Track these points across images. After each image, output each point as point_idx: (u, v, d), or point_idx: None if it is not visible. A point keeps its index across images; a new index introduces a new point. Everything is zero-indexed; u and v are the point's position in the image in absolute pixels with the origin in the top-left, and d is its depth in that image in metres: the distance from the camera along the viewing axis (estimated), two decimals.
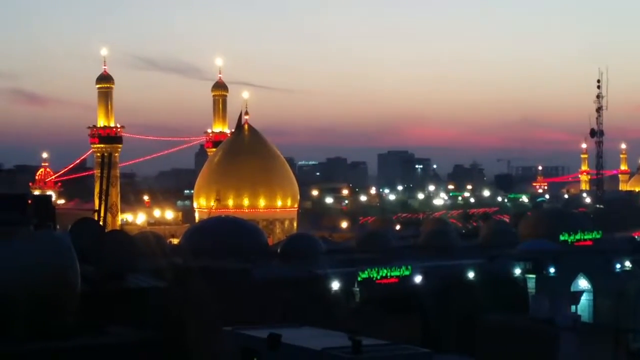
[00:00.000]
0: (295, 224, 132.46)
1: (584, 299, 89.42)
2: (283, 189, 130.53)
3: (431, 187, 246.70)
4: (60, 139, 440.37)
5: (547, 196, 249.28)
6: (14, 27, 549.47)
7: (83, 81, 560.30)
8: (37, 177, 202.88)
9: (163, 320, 64.06)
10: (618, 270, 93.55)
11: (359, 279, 79.70)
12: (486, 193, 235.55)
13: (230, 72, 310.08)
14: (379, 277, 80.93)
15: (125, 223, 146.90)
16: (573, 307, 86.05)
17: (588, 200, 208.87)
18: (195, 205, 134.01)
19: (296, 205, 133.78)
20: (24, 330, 49.46)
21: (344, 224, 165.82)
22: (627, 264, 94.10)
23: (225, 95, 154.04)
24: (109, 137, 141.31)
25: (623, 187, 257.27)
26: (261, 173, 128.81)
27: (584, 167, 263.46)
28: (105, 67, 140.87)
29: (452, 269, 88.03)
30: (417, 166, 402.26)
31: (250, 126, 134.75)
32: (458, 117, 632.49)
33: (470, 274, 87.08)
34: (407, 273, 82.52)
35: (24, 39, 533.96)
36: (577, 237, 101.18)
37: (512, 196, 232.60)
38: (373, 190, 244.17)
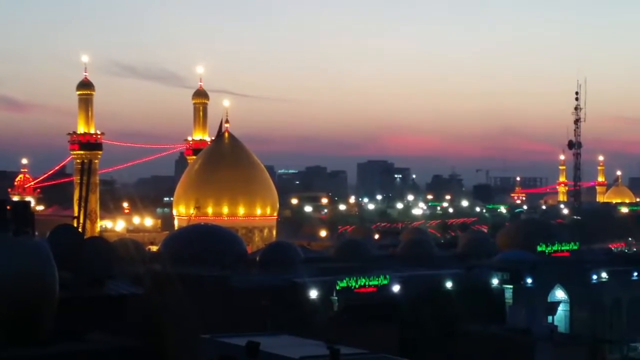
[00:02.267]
0: (274, 233, 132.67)
1: (561, 309, 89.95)
2: (262, 198, 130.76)
3: (410, 197, 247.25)
4: (40, 145, 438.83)
5: (525, 207, 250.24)
6: None
7: (63, 87, 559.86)
8: (16, 183, 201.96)
9: (142, 327, 64.07)
10: (595, 281, 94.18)
11: (338, 287, 79.95)
12: (465, 203, 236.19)
13: (211, 80, 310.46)
14: (357, 286, 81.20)
15: (104, 230, 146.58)
16: (550, 318, 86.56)
17: (566, 211, 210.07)
18: (174, 212, 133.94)
19: (275, 214, 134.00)
20: (1, 336, 49.36)
21: (323, 233, 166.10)
22: (604, 275, 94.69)
23: (206, 103, 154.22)
24: (89, 144, 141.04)
25: (600, 198, 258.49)
26: (241, 181, 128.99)
27: (562, 179, 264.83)
28: (86, 74, 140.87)
29: (431, 278, 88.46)
30: (396, 176, 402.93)
31: (230, 134, 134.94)
32: (438, 126, 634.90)
33: (449, 284, 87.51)
34: (385, 282, 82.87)
35: (4, 44, 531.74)
36: (555, 248, 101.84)
37: (490, 207, 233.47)
38: (352, 200, 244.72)
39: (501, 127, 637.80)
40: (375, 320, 76.53)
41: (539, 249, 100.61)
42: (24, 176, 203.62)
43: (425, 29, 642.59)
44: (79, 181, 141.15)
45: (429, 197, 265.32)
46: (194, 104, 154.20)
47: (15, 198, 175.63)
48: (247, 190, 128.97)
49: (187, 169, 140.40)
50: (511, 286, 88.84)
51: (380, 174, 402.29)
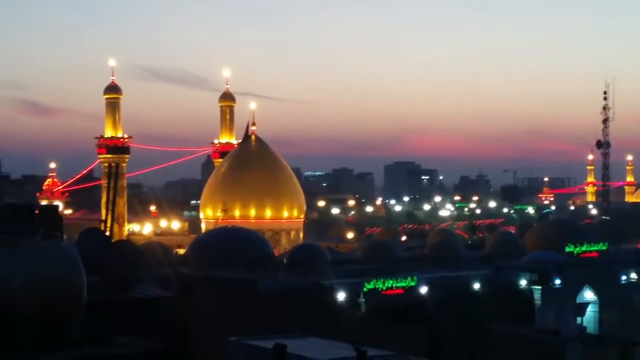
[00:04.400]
0: (301, 235, 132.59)
1: (590, 310, 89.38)
2: (290, 200, 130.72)
3: (437, 198, 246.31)
4: (68, 149, 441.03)
5: (553, 207, 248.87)
6: (22, 37, 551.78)
7: (91, 92, 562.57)
8: (44, 187, 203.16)
9: (169, 330, 64.30)
10: (624, 281, 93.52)
11: (365, 289, 79.74)
12: (492, 204, 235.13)
13: (238, 83, 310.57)
14: (384, 288, 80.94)
15: (131, 233, 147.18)
16: (579, 319, 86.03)
17: (594, 211, 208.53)
18: (201, 215, 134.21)
19: (302, 216, 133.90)
20: (30, 340, 49.65)
21: (350, 235, 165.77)
22: (633, 275, 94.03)
23: (233, 106, 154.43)
24: (116, 148, 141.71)
25: (629, 198, 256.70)
26: (268, 184, 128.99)
27: (590, 179, 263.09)
28: (113, 78, 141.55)
29: (458, 280, 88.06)
30: (423, 177, 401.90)
31: (257, 137, 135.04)
32: (464, 127, 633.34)
33: (476, 285, 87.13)
34: (413, 284, 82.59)
35: (32, 49, 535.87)
36: (583, 248, 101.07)
37: (518, 207, 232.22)
38: (379, 201, 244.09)
39: (528, 127, 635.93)
40: (403, 322, 76.33)
41: (567, 249, 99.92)
42: (52, 180, 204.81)
43: (451, 30, 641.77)
44: (106, 185, 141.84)
45: (456, 198, 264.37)
46: (221, 106, 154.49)
47: (44, 202, 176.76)
48: (274, 193, 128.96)
49: (214, 172, 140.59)
50: (540, 287, 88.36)
51: (407, 175, 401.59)
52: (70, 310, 51.49)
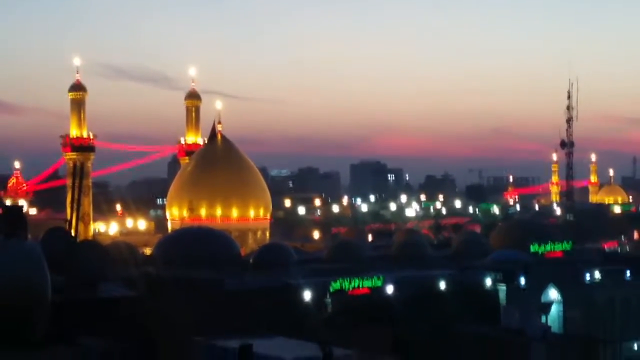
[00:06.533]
0: (267, 234, 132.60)
1: (554, 309, 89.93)
2: (256, 199, 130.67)
3: (403, 198, 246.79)
4: (33, 148, 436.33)
5: (517, 207, 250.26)
6: None
7: (56, 90, 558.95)
8: (8, 186, 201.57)
9: (135, 330, 63.95)
10: (588, 281, 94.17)
11: (331, 289, 79.86)
12: (458, 203, 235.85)
13: (203, 81, 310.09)
14: (351, 288, 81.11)
15: (97, 233, 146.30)
16: (543, 318, 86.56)
17: (558, 211, 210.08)
18: (168, 215, 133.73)
19: (269, 216, 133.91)
20: None
21: (317, 234, 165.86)
22: (597, 274, 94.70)
23: (199, 105, 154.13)
24: (82, 147, 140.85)
25: (593, 198, 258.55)
26: (234, 183, 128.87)
27: (555, 178, 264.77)
28: (78, 76, 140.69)
29: (424, 279, 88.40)
30: (389, 176, 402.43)
31: (223, 136, 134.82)
32: (430, 126, 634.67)
33: (442, 285, 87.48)
34: (379, 283, 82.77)
35: None
36: (548, 247, 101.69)
37: (483, 207, 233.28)
38: (345, 201, 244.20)
39: (493, 126, 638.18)
40: (369, 321, 76.48)
41: (532, 249, 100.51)
42: (17, 179, 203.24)
43: (416, 30, 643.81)
44: (71, 184, 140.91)
45: (422, 197, 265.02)
46: (187, 105, 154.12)
47: (8, 201, 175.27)
48: (241, 192, 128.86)
49: (180, 171, 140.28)
50: (504, 286, 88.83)
51: (373, 174, 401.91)
52: (33, 310, 51.14)
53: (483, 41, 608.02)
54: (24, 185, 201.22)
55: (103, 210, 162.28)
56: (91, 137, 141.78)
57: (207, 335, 52.96)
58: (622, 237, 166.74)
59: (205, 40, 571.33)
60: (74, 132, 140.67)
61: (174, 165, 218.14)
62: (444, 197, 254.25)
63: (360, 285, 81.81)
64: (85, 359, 51.30)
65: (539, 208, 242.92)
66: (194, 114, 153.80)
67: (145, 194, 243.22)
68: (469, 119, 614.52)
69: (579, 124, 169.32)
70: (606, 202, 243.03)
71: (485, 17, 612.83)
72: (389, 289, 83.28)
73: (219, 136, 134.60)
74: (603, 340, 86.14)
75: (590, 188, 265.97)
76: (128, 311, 66.83)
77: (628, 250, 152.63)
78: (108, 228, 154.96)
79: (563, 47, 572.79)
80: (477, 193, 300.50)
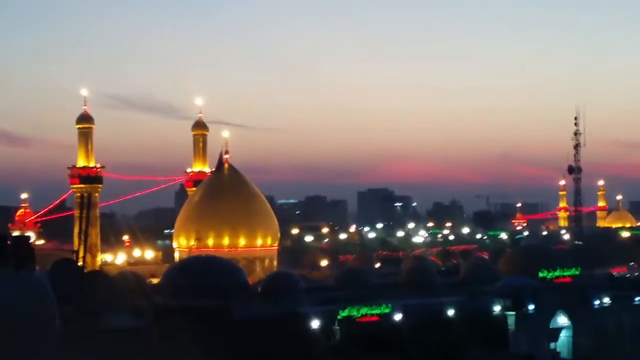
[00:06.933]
0: (275, 263, 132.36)
1: (563, 335, 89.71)
2: (263, 228, 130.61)
3: (411, 225, 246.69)
4: (40, 179, 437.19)
5: (526, 233, 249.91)
6: None
7: (63, 121, 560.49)
8: (16, 218, 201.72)
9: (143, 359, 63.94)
10: (597, 306, 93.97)
11: (339, 317, 79.74)
12: (465, 230, 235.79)
13: (210, 111, 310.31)
14: (359, 315, 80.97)
15: (104, 263, 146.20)
16: (552, 344, 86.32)
17: (567, 236, 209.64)
18: (175, 244, 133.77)
19: (276, 244, 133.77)
20: None
21: (324, 262, 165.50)
22: (606, 300, 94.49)
23: (206, 135, 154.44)
24: (89, 177, 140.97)
25: (601, 223, 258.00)
26: (241, 212, 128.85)
27: (563, 204, 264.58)
28: (86, 107, 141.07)
29: (432, 306, 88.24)
30: (396, 204, 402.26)
31: (230, 165, 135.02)
32: (437, 153, 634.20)
33: (451, 311, 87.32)
34: (387, 311, 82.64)
35: (2, 78, 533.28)
36: (556, 273, 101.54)
37: (491, 233, 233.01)
38: (353, 228, 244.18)
39: (501, 152, 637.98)
40: (377, 349, 76.30)
41: (540, 275, 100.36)
42: (25, 211, 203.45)
43: (423, 57, 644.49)
44: (79, 215, 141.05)
45: (430, 224, 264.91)
46: (194, 135, 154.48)
47: (16, 233, 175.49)
48: (248, 221, 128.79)
49: (187, 201, 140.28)
50: (513, 313, 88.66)
51: (381, 202, 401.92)
52: (41, 341, 51.16)
53: (490, 67, 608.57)
54: (32, 216, 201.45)
55: (110, 240, 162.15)
56: (98, 168, 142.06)
57: None
58: (631, 262, 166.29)
59: (212, 70, 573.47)
60: (81, 163, 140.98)
61: (181, 194, 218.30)
62: (451, 224, 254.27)
63: (369, 313, 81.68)
64: None
65: (547, 234, 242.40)
66: (201, 143, 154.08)
67: (153, 223, 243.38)
68: (476, 145, 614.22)
69: (587, 149, 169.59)
70: (614, 227, 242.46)
71: (492, 43, 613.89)
72: (397, 316, 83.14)
73: (226, 165, 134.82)
74: None
75: (599, 213, 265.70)
76: (135, 341, 66.83)
77: (637, 275, 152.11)
78: (115, 258, 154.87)
79: (570, 73, 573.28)
80: (485, 219, 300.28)
